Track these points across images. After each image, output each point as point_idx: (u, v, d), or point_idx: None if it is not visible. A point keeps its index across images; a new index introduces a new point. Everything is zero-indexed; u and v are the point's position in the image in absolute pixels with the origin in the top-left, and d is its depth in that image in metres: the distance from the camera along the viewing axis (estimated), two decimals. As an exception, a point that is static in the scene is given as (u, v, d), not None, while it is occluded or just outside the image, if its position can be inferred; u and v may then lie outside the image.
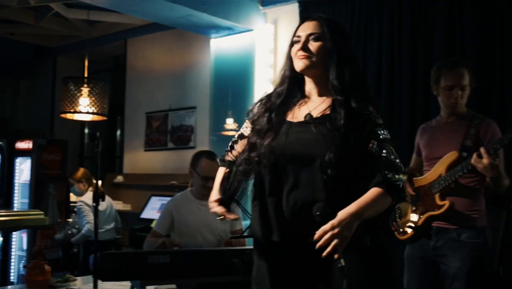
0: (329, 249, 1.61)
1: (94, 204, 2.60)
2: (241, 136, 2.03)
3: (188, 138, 5.99)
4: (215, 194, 2.01)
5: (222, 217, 1.93)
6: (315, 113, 1.86)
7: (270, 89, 2.05)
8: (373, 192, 1.72)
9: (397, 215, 2.94)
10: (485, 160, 2.48)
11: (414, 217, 2.84)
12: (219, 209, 1.93)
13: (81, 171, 5.17)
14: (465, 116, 2.81)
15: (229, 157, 2.07)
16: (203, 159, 3.20)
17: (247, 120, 2.03)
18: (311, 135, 1.81)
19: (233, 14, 4.89)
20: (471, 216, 2.70)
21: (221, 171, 2.10)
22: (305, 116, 1.87)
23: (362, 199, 1.70)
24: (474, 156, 2.51)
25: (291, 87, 1.94)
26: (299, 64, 1.86)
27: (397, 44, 4.17)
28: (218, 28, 5.10)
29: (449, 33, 3.92)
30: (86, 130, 7.87)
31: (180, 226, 3.25)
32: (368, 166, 1.78)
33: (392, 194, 1.73)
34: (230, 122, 5.19)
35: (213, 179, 3.19)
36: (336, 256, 1.60)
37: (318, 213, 1.69)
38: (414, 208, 2.86)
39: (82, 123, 7.49)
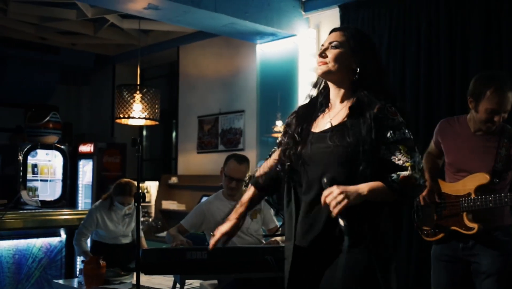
0: (333, 203, 1.76)
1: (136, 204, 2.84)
2: (278, 145, 2.16)
3: (237, 141, 6.19)
4: (232, 218, 2.23)
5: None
6: (335, 122, 1.96)
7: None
8: (379, 183, 1.84)
9: (420, 214, 2.99)
10: None
11: (440, 223, 2.88)
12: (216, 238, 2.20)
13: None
14: (493, 129, 2.76)
15: (259, 173, 2.19)
16: (231, 160, 3.41)
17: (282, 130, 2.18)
18: (326, 146, 1.92)
19: (276, 21, 5.03)
20: (496, 220, 2.76)
21: (250, 190, 2.23)
22: (326, 125, 1.98)
23: (369, 183, 1.83)
24: None
25: (318, 97, 2.07)
26: (317, 70, 2.00)
27: (435, 46, 4.20)
28: (262, 35, 5.24)
29: (486, 35, 3.93)
30: (145, 133, 8.21)
31: (211, 226, 3.41)
32: (380, 171, 1.86)
33: (392, 191, 1.84)
34: (279, 125, 5.36)
35: (236, 180, 3.40)
36: (335, 212, 1.75)
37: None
38: (439, 214, 2.89)
39: (141, 127, 7.80)
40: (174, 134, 7.54)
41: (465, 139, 2.84)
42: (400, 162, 1.85)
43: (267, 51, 5.53)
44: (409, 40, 4.36)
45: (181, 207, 6.59)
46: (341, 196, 1.76)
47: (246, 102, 6.06)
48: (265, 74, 5.59)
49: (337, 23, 4.91)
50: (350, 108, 1.93)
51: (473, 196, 2.74)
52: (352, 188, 1.79)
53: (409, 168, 1.83)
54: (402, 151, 1.85)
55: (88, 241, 4.87)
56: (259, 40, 5.47)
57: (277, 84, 5.43)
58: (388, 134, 1.87)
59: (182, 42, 6.88)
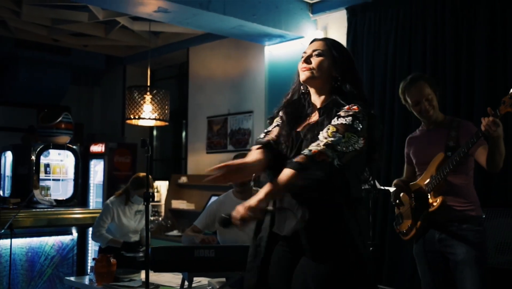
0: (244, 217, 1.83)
1: (145, 204, 2.91)
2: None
3: (246, 141, 6.26)
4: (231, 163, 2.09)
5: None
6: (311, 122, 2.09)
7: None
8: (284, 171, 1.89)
9: (400, 219, 3.13)
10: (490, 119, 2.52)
11: (414, 217, 3.01)
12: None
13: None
14: (443, 122, 3.01)
15: (267, 138, 2.18)
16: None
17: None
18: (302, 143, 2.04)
19: (284, 23, 5.09)
20: (466, 209, 2.87)
21: (253, 151, 2.18)
22: (304, 127, 2.10)
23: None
24: (483, 121, 2.54)
25: (300, 100, 2.17)
26: (302, 76, 2.11)
27: (441, 47, 4.25)
28: (270, 36, 5.30)
29: (492, 35, 3.98)
30: (155, 133, 8.30)
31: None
32: None
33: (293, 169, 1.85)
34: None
35: None
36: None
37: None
38: (413, 210, 3.02)
39: (151, 127, 7.89)
40: (183, 134, 7.62)
41: (423, 137, 3.07)
42: (321, 139, 1.90)
43: (275, 53, 5.59)
44: (415, 41, 4.41)
45: (191, 206, 6.67)
46: (249, 212, 1.82)
47: (254, 103, 6.13)
48: (273, 75, 5.65)
49: (344, 25, 4.97)
50: (319, 109, 2.07)
51: (434, 174, 2.91)
52: (252, 199, 1.85)
53: (322, 145, 1.86)
54: (329, 131, 1.90)
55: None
56: (267, 42, 5.53)
57: (285, 85, 5.38)
58: (333, 119, 1.96)
59: (192, 43, 6.96)
